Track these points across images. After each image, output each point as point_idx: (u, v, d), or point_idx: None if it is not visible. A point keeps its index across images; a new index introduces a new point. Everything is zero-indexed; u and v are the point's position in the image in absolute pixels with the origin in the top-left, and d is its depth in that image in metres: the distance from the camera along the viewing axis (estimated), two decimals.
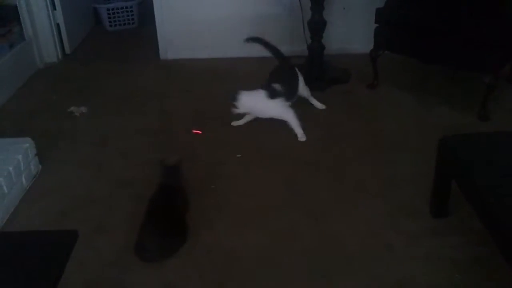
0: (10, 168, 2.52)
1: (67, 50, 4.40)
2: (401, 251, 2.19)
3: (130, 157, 2.95)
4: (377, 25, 3.42)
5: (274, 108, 3.03)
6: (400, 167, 2.75)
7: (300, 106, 3.30)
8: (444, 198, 2.33)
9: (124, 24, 5.05)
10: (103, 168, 2.86)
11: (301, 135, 3.05)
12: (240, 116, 3.18)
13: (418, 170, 2.67)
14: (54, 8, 4.19)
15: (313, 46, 3.70)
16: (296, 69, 3.27)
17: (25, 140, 2.76)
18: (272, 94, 3.02)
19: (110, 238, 2.32)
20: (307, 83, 3.65)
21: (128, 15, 5.03)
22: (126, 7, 5.00)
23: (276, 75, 3.15)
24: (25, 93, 3.77)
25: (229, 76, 3.92)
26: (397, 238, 2.26)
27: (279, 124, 3.21)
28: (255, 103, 3.03)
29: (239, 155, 2.91)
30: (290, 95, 3.10)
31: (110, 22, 5.00)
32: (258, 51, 4.01)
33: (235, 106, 2.99)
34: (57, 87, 3.88)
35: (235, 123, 3.21)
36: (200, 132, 3.12)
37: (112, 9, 4.96)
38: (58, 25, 4.27)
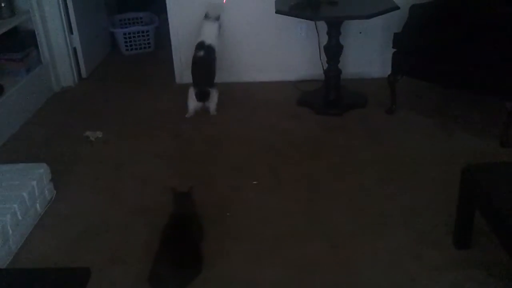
0: (25, 194, 2.50)
1: (84, 74, 4.41)
2: (424, 285, 2.12)
3: (145, 183, 2.92)
4: (395, 50, 3.39)
5: None
6: (420, 196, 2.68)
7: (317, 133, 3.28)
8: (468, 229, 2.26)
9: (141, 48, 5.06)
10: (118, 194, 2.83)
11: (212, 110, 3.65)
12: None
13: (439, 199, 2.61)
14: (71, 32, 4.22)
15: (329, 71, 3.67)
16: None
17: (40, 165, 2.75)
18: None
19: (124, 268, 2.27)
20: (324, 107, 3.65)
21: (144, 39, 5.05)
22: (143, 31, 5.02)
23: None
24: (41, 117, 3.78)
25: (244, 100, 3.90)
26: (419, 271, 2.18)
27: (297, 152, 3.18)
28: None
29: (256, 182, 2.87)
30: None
31: (126, 46, 5.02)
32: (275, 76, 4.05)
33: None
34: (73, 111, 3.88)
35: (187, 115, 3.65)
36: None
37: (129, 33, 4.99)
38: (75, 49, 4.29)
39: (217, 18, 3.72)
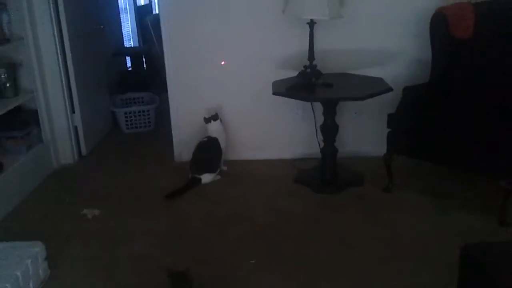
0: (18, 273, 2.47)
1: (83, 152, 4.47)
2: None
3: (141, 262, 2.88)
4: (390, 129, 3.46)
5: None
6: (419, 277, 2.64)
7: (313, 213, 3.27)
8: None
9: (141, 126, 5.16)
10: (113, 274, 2.78)
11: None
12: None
13: (439, 280, 2.57)
14: (73, 111, 4.31)
15: (326, 149, 3.73)
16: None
17: (35, 243, 2.73)
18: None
19: None
20: (321, 185, 3.67)
21: (145, 118, 5.15)
22: (143, 111, 5.14)
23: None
24: (39, 194, 3.78)
25: (242, 177, 3.93)
26: None
27: (294, 231, 3.16)
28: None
29: (253, 261, 2.83)
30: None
31: (127, 125, 5.11)
32: (273, 154, 4.09)
33: None
34: (71, 189, 3.89)
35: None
36: None
37: (129, 113, 5.10)
38: (76, 127, 4.37)
39: (216, 119, 3.95)
